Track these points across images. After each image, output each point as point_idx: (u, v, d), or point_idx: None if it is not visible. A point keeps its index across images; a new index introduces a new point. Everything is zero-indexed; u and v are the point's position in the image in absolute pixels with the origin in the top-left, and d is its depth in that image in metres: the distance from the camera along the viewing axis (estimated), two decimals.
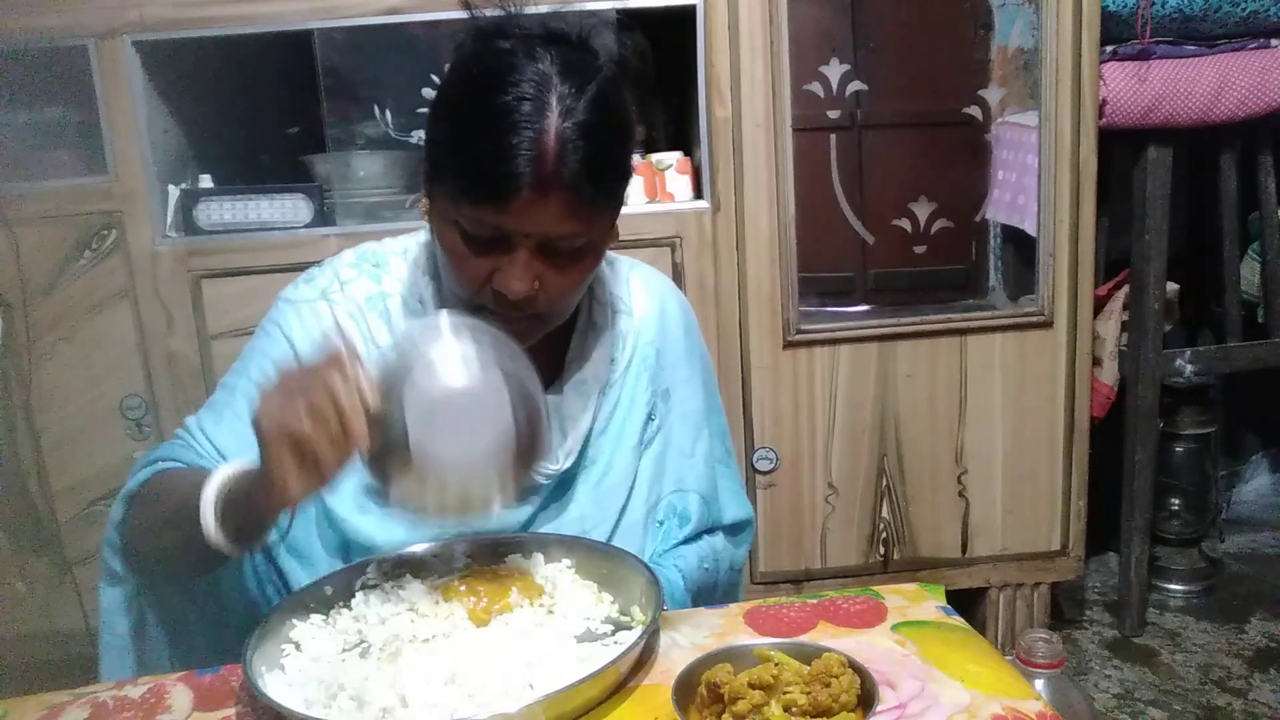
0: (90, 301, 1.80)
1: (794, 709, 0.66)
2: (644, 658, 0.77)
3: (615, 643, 0.78)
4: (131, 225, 1.78)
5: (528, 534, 0.95)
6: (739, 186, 1.84)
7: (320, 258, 1.05)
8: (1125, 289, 2.10)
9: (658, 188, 1.89)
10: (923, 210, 2.08)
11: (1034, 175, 1.90)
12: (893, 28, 2.02)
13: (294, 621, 0.81)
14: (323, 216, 1.83)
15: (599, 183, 0.83)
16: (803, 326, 1.90)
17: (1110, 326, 2.07)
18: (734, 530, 1.13)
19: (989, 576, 2.05)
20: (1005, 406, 1.97)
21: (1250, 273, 2.23)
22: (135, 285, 1.79)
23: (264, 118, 2.11)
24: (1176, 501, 2.34)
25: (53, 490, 1.85)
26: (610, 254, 1.06)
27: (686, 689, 0.68)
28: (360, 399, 0.71)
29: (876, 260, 2.10)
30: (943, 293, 2.11)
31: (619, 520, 1.01)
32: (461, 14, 0.89)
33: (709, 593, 1.06)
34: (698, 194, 1.88)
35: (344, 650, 0.79)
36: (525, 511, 0.97)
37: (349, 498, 0.94)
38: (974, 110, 2.06)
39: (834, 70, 2.01)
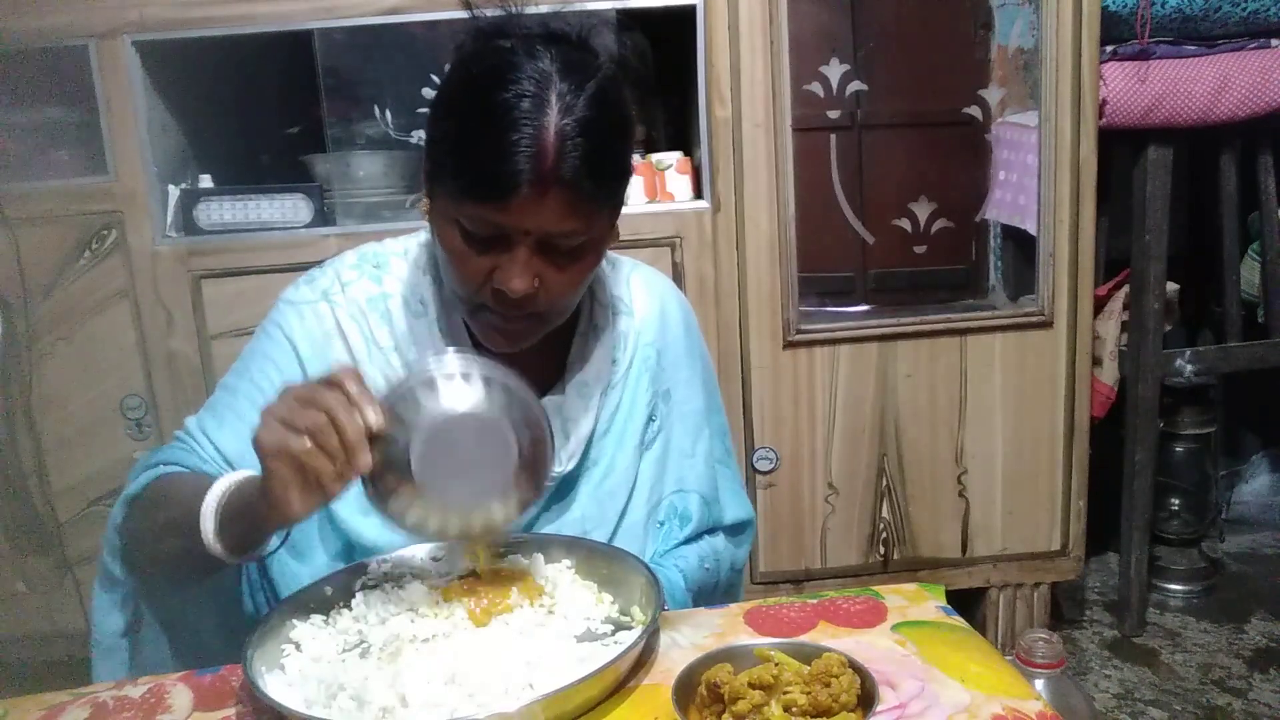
0: (90, 301, 1.80)
1: (794, 709, 0.66)
2: (644, 658, 0.77)
3: (615, 643, 0.78)
4: (131, 225, 1.78)
5: (528, 534, 0.95)
6: (739, 186, 1.84)
7: (320, 258, 1.05)
8: (1125, 289, 2.10)
9: (658, 188, 1.89)
10: (923, 210, 2.08)
11: (1034, 175, 1.90)
12: (893, 28, 2.02)
13: (294, 621, 0.81)
14: (323, 216, 1.83)
15: (599, 180, 0.83)
16: (803, 326, 1.90)
17: (1110, 326, 2.07)
18: (735, 530, 1.13)
19: (989, 576, 2.05)
20: (1005, 406, 1.97)
21: (1250, 273, 2.23)
22: (135, 285, 1.79)
23: (264, 118, 2.11)
24: (1176, 501, 2.34)
25: (53, 490, 1.85)
26: (611, 254, 1.06)
27: (686, 689, 0.68)
28: (363, 419, 0.71)
29: (876, 260, 2.10)
30: (943, 293, 2.11)
31: (620, 521, 1.01)
32: (461, 14, 0.89)
33: (710, 593, 1.06)
34: (698, 194, 1.88)
35: (344, 650, 0.79)
36: (527, 512, 0.97)
37: (352, 500, 0.94)
38: (974, 110, 2.06)
39: (834, 70, 2.01)
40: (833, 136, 2.03)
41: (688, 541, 1.05)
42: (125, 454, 1.82)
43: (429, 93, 1.88)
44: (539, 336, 0.92)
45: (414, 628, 0.79)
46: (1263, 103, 1.91)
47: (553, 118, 0.80)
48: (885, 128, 2.05)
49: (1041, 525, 2.03)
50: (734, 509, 1.12)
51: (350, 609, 0.84)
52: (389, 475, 0.75)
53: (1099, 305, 2.06)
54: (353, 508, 0.94)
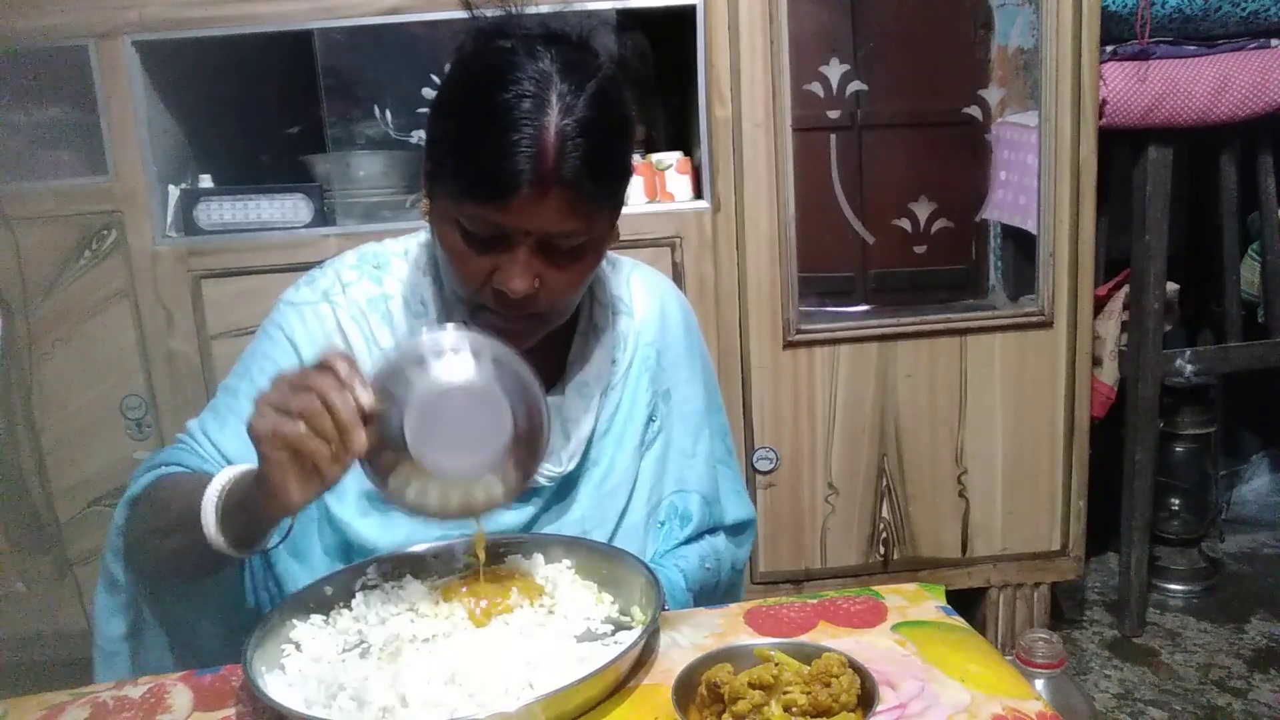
0: (90, 302, 1.80)
1: (794, 709, 0.66)
2: (644, 658, 0.77)
3: (615, 643, 0.78)
4: (131, 225, 1.78)
5: (528, 534, 0.95)
6: (739, 186, 1.84)
7: (320, 258, 1.05)
8: (1125, 289, 2.10)
9: (658, 188, 1.89)
10: (923, 210, 2.08)
11: (1034, 175, 1.90)
12: (893, 28, 2.02)
13: (294, 621, 0.81)
14: (323, 216, 1.83)
15: (599, 180, 0.83)
16: (803, 326, 1.90)
17: (1110, 326, 2.07)
18: (736, 530, 1.13)
19: (989, 576, 2.05)
20: (1005, 406, 1.97)
21: (1250, 273, 2.23)
22: (135, 285, 1.79)
23: (264, 118, 2.11)
24: (1176, 501, 2.34)
25: (53, 490, 1.85)
26: (611, 255, 1.06)
27: (686, 689, 0.68)
28: (355, 400, 0.71)
29: (876, 260, 2.10)
30: (943, 293, 2.11)
31: (620, 521, 1.01)
32: (461, 14, 0.89)
33: (711, 592, 1.06)
34: (698, 194, 1.88)
35: (344, 650, 0.79)
36: (527, 512, 0.97)
37: (350, 501, 0.94)
38: (974, 110, 2.06)
39: (834, 70, 2.01)
40: (833, 136, 2.03)
41: (688, 541, 1.05)
42: (125, 454, 1.82)
43: (429, 93, 1.88)
44: (539, 336, 0.92)
45: (414, 628, 0.79)
46: (1263, 103, 1.91)
47: (553, 118, 0.80)
48: (885, 128, 2.05)
49: (1041, 525, 2.03)
50: (735, 509, 1.12)
51: (350, 609, 0.84)
52: (386, 453, 0.74)
53: (1099, 305, 2.06)
54: (351, 508, 0.94)
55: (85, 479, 1.85)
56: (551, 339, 0.95)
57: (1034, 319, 1.94)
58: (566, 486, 1.00)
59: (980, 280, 2.15)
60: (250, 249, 1.79)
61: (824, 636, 0.79)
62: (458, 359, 0.76)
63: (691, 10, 1.78)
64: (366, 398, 0.72)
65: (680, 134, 2.03)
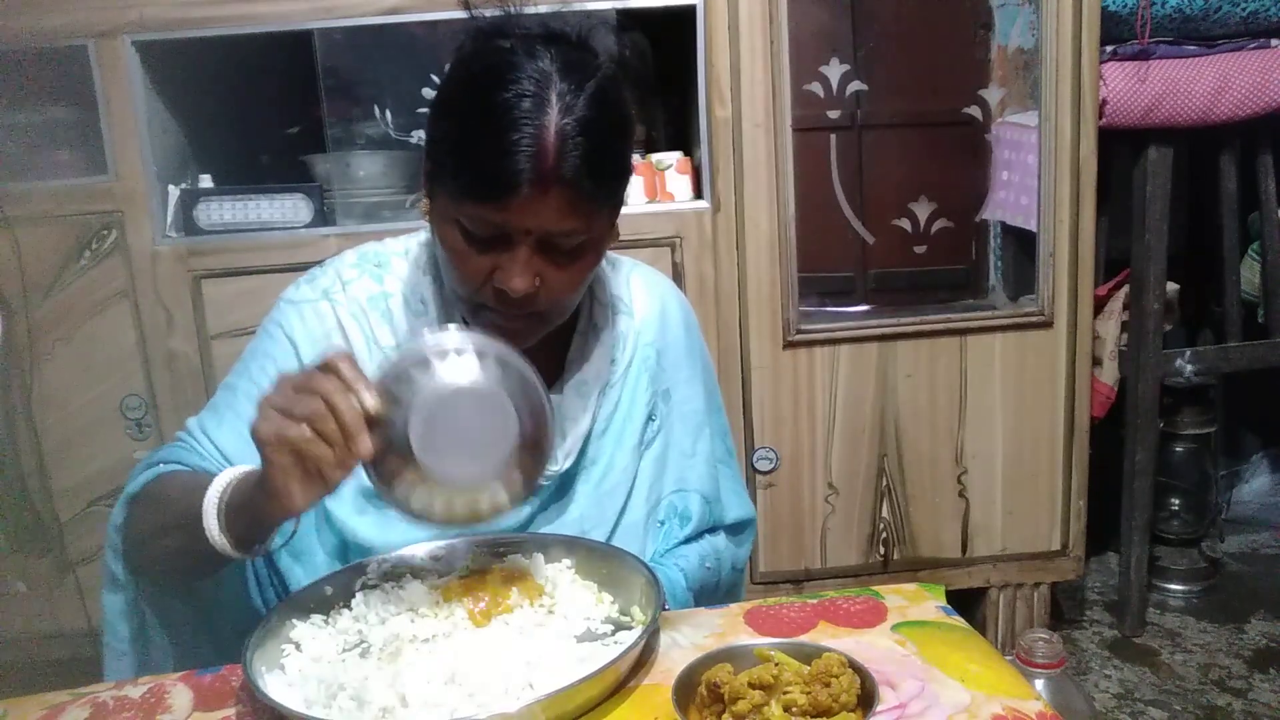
0: (90, 302, 1.80)
1: (794, 709, 0.66)
2: (644, 658, 0.77)
3: (615, 643, 0.78)
4: (131, 225, 1.78)
5: (528, 534, 0.95)
6: (739, 186, 1.84)
7: (320, 258, 1.05)
8: (1125, 289, 2.10)
9: (658, 188, 1.89)
10: (923, 210, 2.08)
11: (1034, 175, 1.90)
12: (893, 28, 2.02)
13: (294, 621, 0.81)
14: (323, 216, 1.83)
15: (599, 179, 0.83)
16: (803, 326, 1.90)
17: (1110, 326, 2.07)
18: (736, 530, 1.13)
19: (989, 576, 2.05)
20: (1005, 406, 1.97)
21: (1250, 273, 2.23)
22: (135, 285, 1.79)
23: (264, 118, 2.11)
24: (1176, 501, 2.34)
25: (53, 490, 1.85)
26: (611, 254, 1.06)
27: (686, 689, 0.68)
28: (360, 402, 0.71)
29: (876, 260, 2.10)
30: (943, 293, 2.11)
31: (619, 520, 1.01)
32: (461, 14, 0.89)
33: (711, 592, 1.06)
34: (698, 194, 1.88)
35: (344, 650, 0.79)
36: (525, 512, 0.97)
37: (348, 499, 0.94)
38: (974, 110, 2.06)
39: (834, 70, 2.01)
40: (833, 136, 2.03)
41: (688, 541, 1.05)
42: (125, 454, 1.82)
43: (429, 93, 1.88)
44: (540, 336, 0.92)
45: (414, 628, 0.79)
46: (1263, 103, 1.91)
47: (553, 117, 0.80)
48: (885, 128, 2.05)
49: (1041, 525, 2.03)
50: (735, 508, 1.12)
51: (350, 609, 0.84)
52: (391, 458, 0.74)
53: (1099, 305, 2.06)
54: (348, 507, 0.94)
55: (85, 479, 1.85)
56: (551, 338, 0.95)
57: (1034, 319, 1.94)
58: (565, 485, 1.00)
59: (980, 280, 2.15)
60: (250, 249, 1.79)
61: (824, 636, 0.79)
62: (463, 362, 0.75)
63: (691, 10, 1.78)
64: (371, 401, 0.71)
65: (680, 134, 2.03)
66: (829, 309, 2.02)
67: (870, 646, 0.77)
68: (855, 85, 2.02)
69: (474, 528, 0.83)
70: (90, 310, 1.80)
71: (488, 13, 0.87)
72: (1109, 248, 2.15)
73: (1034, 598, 2.08)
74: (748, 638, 0.79)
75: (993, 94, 2.05)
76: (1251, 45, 1.92)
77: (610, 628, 0.81)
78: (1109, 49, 1.89)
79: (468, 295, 0.88)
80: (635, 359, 1.03)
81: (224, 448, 0.94)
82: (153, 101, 1.80)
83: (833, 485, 1.97)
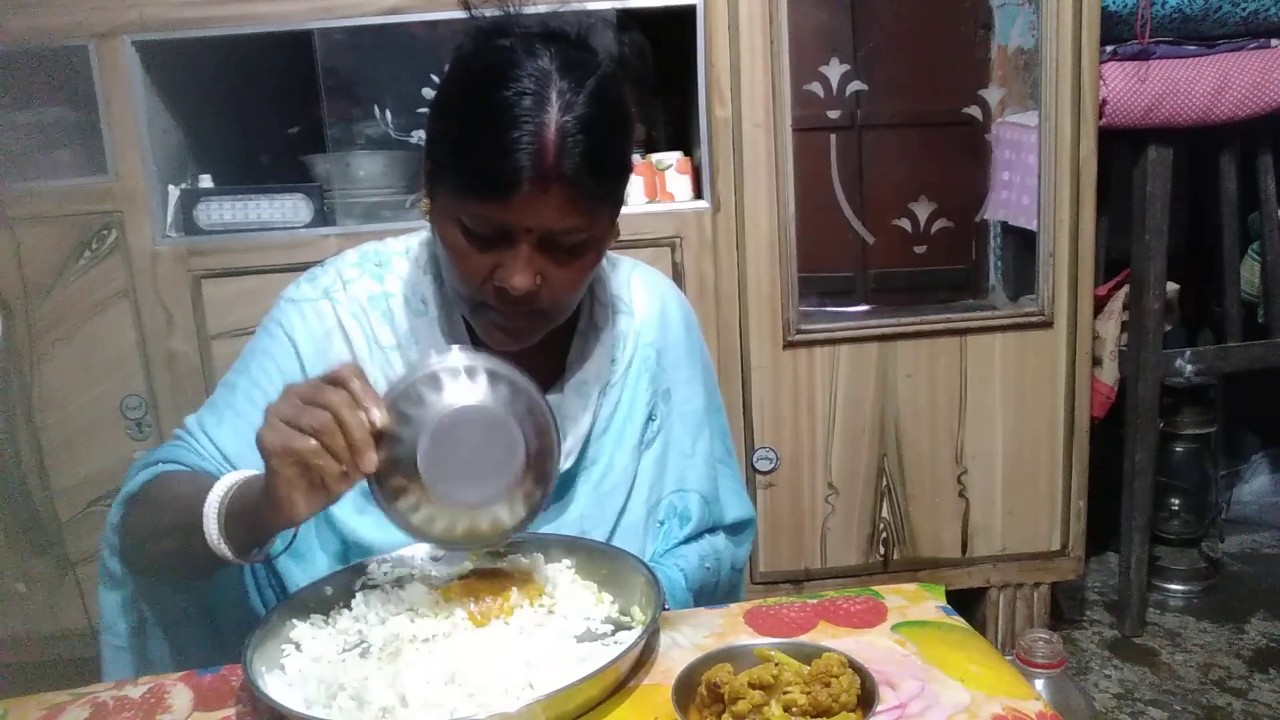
0: (90, 302, 1.80)
1: (794, 709, 0.66)
2: (644, 658, 0.77)
3: (615, 643, 0.78)
4: (131, 225, 1.78)
5: (528, 534, 0.95)
6: (739, 186, 1.84)
7: (320, 258, 1.05)
8: (1125, 289, 2.10)
9: (658, 188, 1.89)
10: (923, 210, 2.08)
11: (1034, 175, 1.90)
12: (893, 28, 2.02)
13: (294, 621, 0.81)
14: (323, 216, 1.83)
15: (599, 176, 0.83)
16: (803, 326, 1.90)
17: (1110, 326, 2.07)
18: (736, 529, 1.13)
19: (989, 576, 2.05)
20: (1005, 406, 1.97)
21: (1250, 273, 2.23)
22: (135, 285, 1.79)
23: (264, 118, 2.11)
24: (1176, 501, 2.34)
25: (53, 490, 1.85)
26: (612, 254, 1.06)
27: (686, 689, 0.68)
28: (368, 418, 0.71)
29: (876, 260, 2.10)
30: (943, 293, 2.11)
31: (618, 520, 1.01)
32: (461, 14, 0.89)
33: (711, 592, 1.06)
34: (698, 194, 1.88)
35: (344, 650, 0.79)
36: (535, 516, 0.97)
37: (348, 500, 0.94)
38: (974, 110, 2.06)
39: (834, 70, 2.01)
40: (833, 136, 2.03)
41: (688, 541, 1.05)
42: (125, 454, 1.82)
43: (429, 93, 1.88)
44: (541, 334, 0.92)
45: (414, 628, 0.79)
46: (1263, 103, 1.91)
47: (553, 115, 0.80)
48: (885, 128, 2.05)
49: (1041, 525, 2.03)
50: (735, 508, 1.12)
51: (350, 609, 0.84)
52: (395, 475, 0.74)
53: (1099, 305, 2.06)
54: (349, 507, 0.94)
55: (85, 479, 1.85)
56: (551, 338, 0.95)
57: (1034, 319, 1.94)
58: (565, 485, 0.99)
59: (980, 280, 2.14)
60: (250, 249, 1.79)
61: (824, 636, 0.79)
62: (471, 381, 0.76)
63: (691, 10, 1.78)
64: (380, 416, 0.72)
65: (680, 134, 2.03)
66: (829, 309, 2.02)
67: (870, 646, 0.77)
68: (855, 85, 2.02)
69: (473, 547, 0.84)
70: (90, 310, 1.80)
71: (488, 12, 0.88)
72: (1109, 248, 2.15)
73: (1034, 598, 2.08)
74: (748, 638, 0.79)
75: (993, 94, 2.05)
76: (1251, 45, 1.92)
77: (610, 628, 0.81)
78: (1109, 49, 1.89)
79: (469, 294, 0.88)
80: (635, 359, 1.03)
81: (223, 446, 0.93)
82: (153, 101, 1.80)
83: (833, 485, 1.97)
